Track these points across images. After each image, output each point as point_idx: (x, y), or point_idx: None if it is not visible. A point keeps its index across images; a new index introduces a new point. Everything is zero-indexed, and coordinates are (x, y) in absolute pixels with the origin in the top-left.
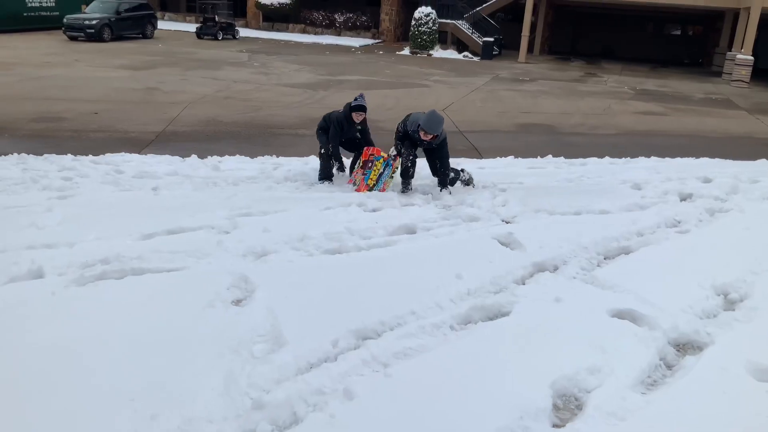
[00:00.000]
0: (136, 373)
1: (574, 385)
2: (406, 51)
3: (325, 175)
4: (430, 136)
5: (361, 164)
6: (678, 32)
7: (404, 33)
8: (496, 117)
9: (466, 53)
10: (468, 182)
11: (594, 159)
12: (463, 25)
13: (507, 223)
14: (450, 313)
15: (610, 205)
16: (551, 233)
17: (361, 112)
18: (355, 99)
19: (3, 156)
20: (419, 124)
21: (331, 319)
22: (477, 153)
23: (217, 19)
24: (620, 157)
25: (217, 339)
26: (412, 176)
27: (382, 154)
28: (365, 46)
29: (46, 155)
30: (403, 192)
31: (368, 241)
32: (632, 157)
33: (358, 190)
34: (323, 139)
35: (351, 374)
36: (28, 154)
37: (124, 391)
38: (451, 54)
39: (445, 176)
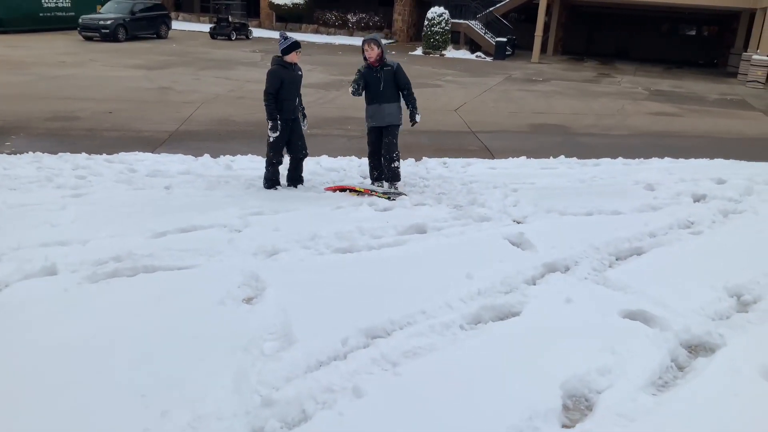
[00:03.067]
0: (147, 370)
1: (585, 385)
2: (419, 51)
3: (271, 183)
4: (376, 49)
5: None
6: (693, 33)
7: (417, 33)
8: (508, 117)
9: (479, 53)
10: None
11: (607, 159)
12: (476, 26)
13: (518, 223)
14: (460, 312)
15: (623, 205)
16: (563, 234)
17: (299, 50)
18: (285, 39)
19: (18, 154)
20: (362, 50)
21: (341, 318)
22: (489, 153)
23: (230, 19)
24: (633, 158)
25: (227, 337)
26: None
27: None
28: None
29: (60, 154)
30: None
31: (379, 241)
32: (645, 158)
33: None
34: (272, 107)
35: (360, 372)
36: (43, 152)
37: (134, 387)
38: (463, 54)
39: (408, 100)
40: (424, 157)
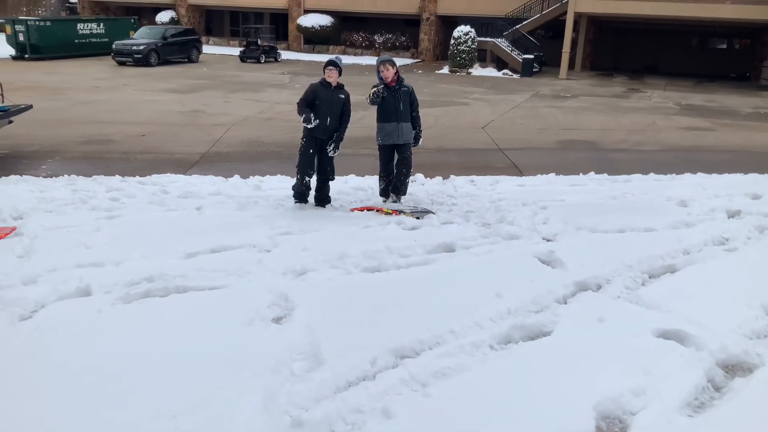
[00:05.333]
0: (178, 390)
1: (618, 407)
2: (445, 70)
3: (298, 196)
4: (392, 69)
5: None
6: (724, 46)
7: (443, 52)
8: (536, 134)
9: (505, 71)
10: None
11: (638, 176)
12: (502, 43)
13: (548, 241)
14: (490, 332)
15: (655, 222)
16: (594, 251)
17: (330, 68)
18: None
19: (54, 177)
20: (378, 70)
21: (370, 338)
22: (517, 170)
23: (259, 42)
24: (665, 174)
25: (257, 357)
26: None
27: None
28: (404, 65)
29: (95, 176)
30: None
31: (407, 260)
32: (678, 173)
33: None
34: (301, 107)
35: (389, 393)
36: (78, 175)
37: (166, 408)
38: (490, 72)
39: (416, 123)
40: (451, 175)
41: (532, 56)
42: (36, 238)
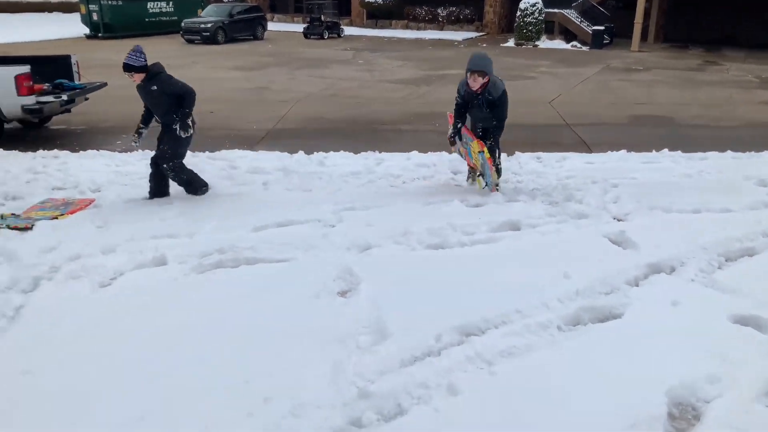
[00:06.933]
0: (250, 358)
1: (692, 394)
2: (511, 42)
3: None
4: (480, 80)
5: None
6: None
7: (509, 24)
8: (606, 108)
9: (574, 43)
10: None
11: (715, 153)
12: (571, 14)
13: (619, 220)
14: (557, 313)
15: (733, 202)
16: (667, 232)
17: (126, 74)
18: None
19: (129, 152)
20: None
21: (434, 314)
22: (586, 147)
23: (323, 18)
24: (744, 151)
25: (324, 329)
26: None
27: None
28: (468, 39)
29: None
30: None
31: (471, 237)
32: (757, 151)
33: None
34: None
35: (455, 370)
36: (151, 150)
37: (239, 374)
38: (558, 44)
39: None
40: (516, 152)
41: (602, 28)
42: (113, 210)
